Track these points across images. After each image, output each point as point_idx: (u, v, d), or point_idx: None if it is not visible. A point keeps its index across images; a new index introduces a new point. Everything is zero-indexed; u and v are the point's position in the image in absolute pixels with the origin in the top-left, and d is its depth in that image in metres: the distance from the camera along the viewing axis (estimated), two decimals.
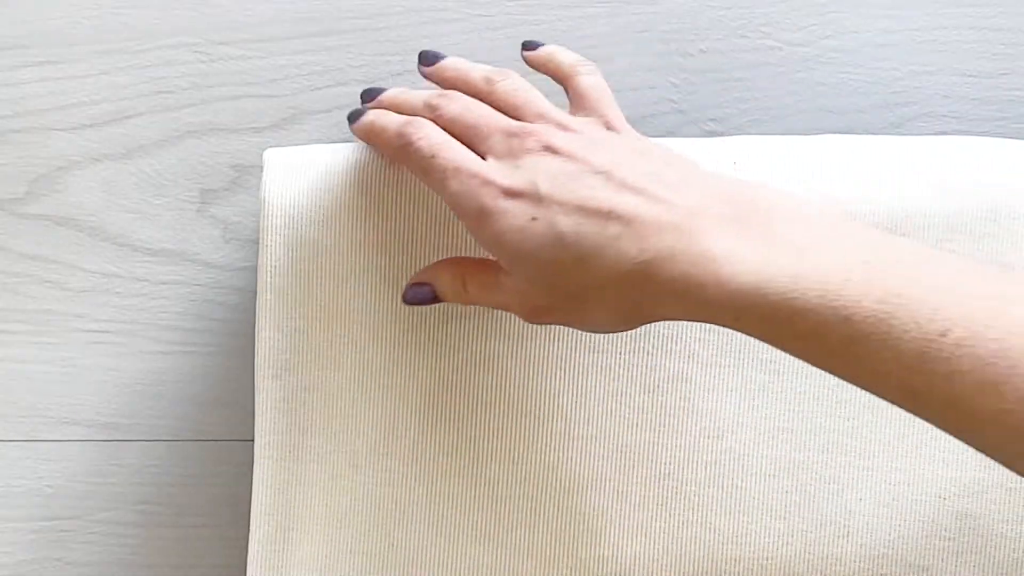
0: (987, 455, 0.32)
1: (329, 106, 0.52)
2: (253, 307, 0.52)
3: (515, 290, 0.39)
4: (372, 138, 0.42)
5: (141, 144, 0.52)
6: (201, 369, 0.52)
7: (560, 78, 0.43)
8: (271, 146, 0.52)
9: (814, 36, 0.52)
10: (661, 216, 0.35)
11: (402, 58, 0.52)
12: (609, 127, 0.40)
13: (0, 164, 0.52)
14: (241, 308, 0.52)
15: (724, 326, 0.35)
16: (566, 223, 0.36)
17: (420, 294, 0.42)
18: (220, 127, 0.52)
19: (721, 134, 0.52)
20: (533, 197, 0.36)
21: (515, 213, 0.36)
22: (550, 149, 0.38)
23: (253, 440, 0.48)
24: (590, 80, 0.41)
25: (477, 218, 0.37)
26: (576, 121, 0.40)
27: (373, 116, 0.42)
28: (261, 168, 0.52)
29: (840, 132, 0.51)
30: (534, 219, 0.36)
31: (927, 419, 0.32)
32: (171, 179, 0.52)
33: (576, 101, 0.42)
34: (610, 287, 0.36)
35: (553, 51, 0.43)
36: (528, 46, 0.44)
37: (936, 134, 0.52)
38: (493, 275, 0.40)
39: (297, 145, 0.50)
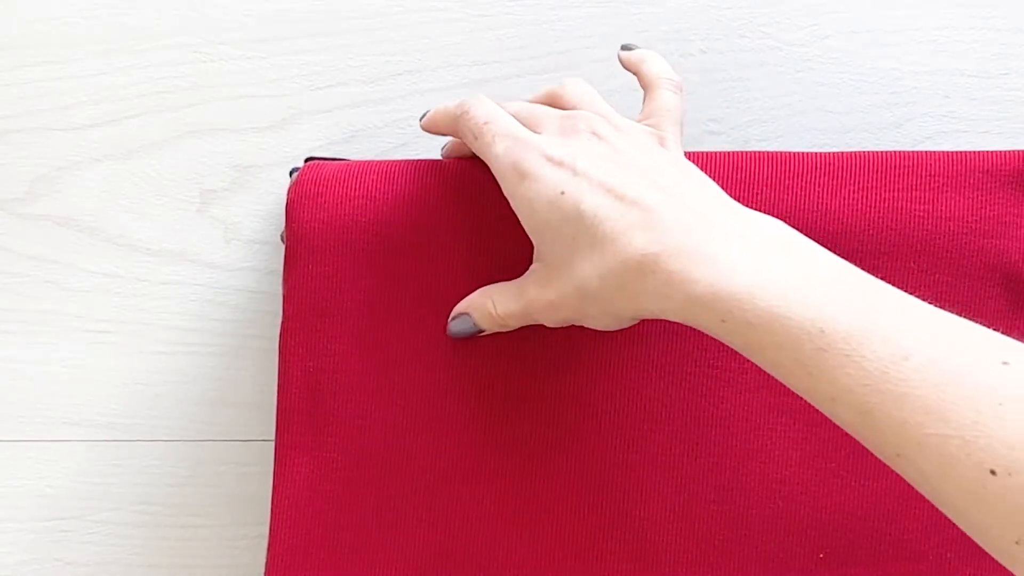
0: (918, 486, 0.33)
1: (329, 106, 0.52)
2: (253, 307, 0.52)
3: (537, 283, 0.41)
4: (435, 119, 0.44)
5: (141, 144, 0.52)
6: (201, 369, 0.52)
7: (644, 84, 0.44)
8: (271, 146, 0.52)
9: (814, 36, 0.52)
10: (677, 216, 0.37)
11: (402, 58, 0.52)
12: (662, 143, 0.41)
13: (0, 164, 0.52)
14: (241, 308, 0.52)
15: (708, 328, 0.36)
16: (590, 201, 0.37)
17: (462, 324, 0.44)
18: (220, 127, 0.52)
19: (721, 134, 0.52)
20: (570, 169, 0.38)
21: (549, 182, 0.38)
22: (596, 135, 0.40)
23: (253, 440, 0.48)
24: (665, 96, 0.43)
25: (516, 178, 0.39)
26: (631, 124, 0.41)
27: (433, 110, 0.45)
28: (261, 168, 0.52)
29: (840, 132, 0.52)
30: (563, 193, 0.38)
31: (870, 441, 0.34)
32: (171, 179, 0.52)
33: (645, 109, 0.43)
34: (613, 275, 0.37)
35: (645, 57, 0.45)
36: (625, 47, 0.46)
37: (936, 134, 0.52)
38: (515, 286, 0.42)
39: (296, 147, 0.50)
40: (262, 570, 0.52)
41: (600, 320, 0.40)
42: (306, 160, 0.50)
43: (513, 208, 0.40)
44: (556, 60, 0.52)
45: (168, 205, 0.52)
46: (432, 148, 0.52)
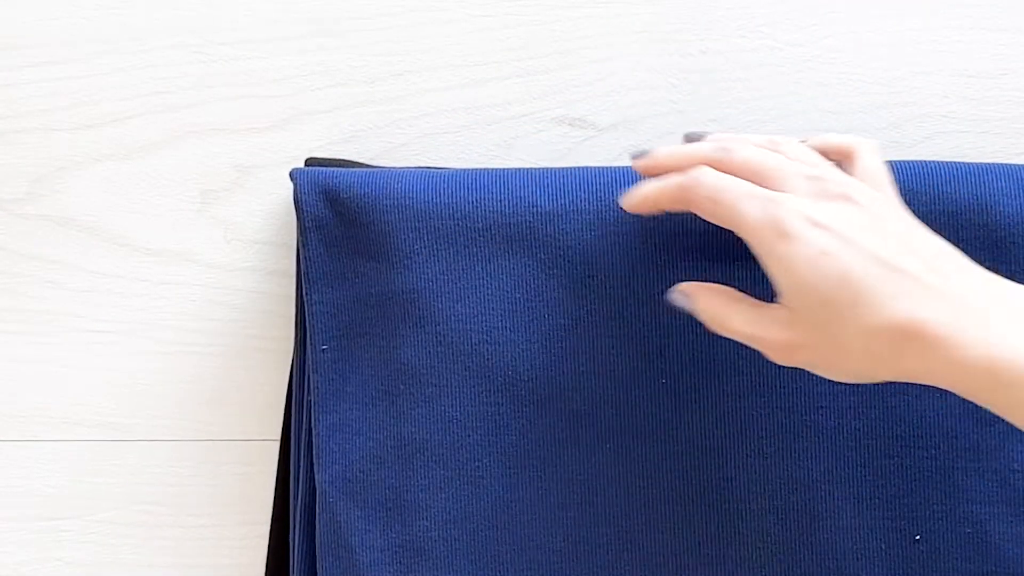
0: None
1: (329, 106, 0.52)
2: (253, 307, 0.52)
3: (779, 323, 0.40)
4: (649, 205, 0.43)
5: (141, 144, 0.52)
6: (201, 369, 0.52)
7: (843, 153, 0.44)
8: (271, 146, 0.52)
9: (814, 36, 0.52)
10: (941, 283, 0.38)
11: (402, 58, 0.52)
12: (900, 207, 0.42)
13: (0, 164, 0.52)
14: (241, 308, 0.52)
15: (973, 392, 0.37)
16: (857, 266, 0.38)
17: (682, 301, 0.43)
18: (220, 127, 0.52)
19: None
20: (832, 232, 0.38)
21: (813, 242, 0.38)
22: (850, 200, 0.40)
23: (253, 440, 0.48)
24: (874, 159, 0.43)
25: (776, 238, 0.39)
26: (870, 189, 0.42)
27: (647, 189, 0.43)
28: (261, 168, 0.52)
29: (840, 132, 0.52)
30: (825, 253, 0.38)
31: None
32: (171, 179, 0.52)
33: (857, 175, 0.43)
34: (875, 336, 0.38)
35: (827, 137, 0.45)
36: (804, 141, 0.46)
37: (936, 134, 0.52)
38: (757, 310, 0.41)
39: (297, 147, 0.50)
40: (262, 570, 0.52)
41: (839, 375, 0.40)
42: (306, 160, 0.50)
43: (767, 268, 0.40)
44: (556, 60, 0.52)
45: (168, 205, 0.52)
46: (430, 150, 0.52)
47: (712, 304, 0.42)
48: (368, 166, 0.50)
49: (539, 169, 0.47)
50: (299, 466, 0.49)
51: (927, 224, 0.45)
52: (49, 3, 0.52)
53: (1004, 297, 0.38)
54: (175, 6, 0.52)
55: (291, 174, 0.48)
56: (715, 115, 0.52)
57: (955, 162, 0.47)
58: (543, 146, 0.52)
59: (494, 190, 0.46)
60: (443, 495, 0.47)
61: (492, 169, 0.47)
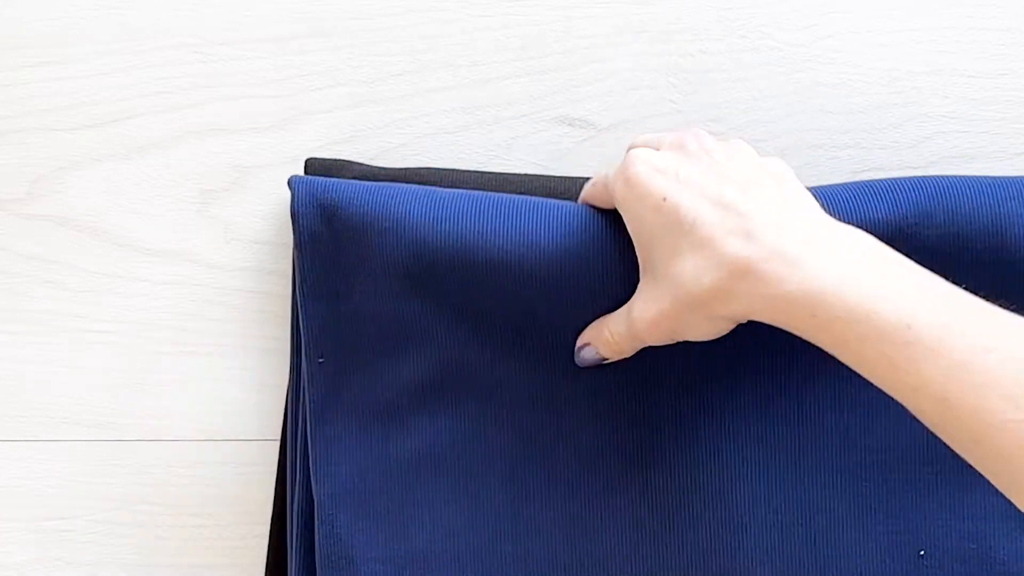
0: (992, 477, 0.35)
1: (329, 106, 0.52)
2: (253, 307, 0.52)
3: (643, 301, 0.42)
4: (589, 198, 0.46)
5: (141, 144, 0.52)
6: (201, 369, 0.52)
7: None
8: (271, 146, 0.52)
9: (814, 36, 0.52)
10: (771, 222, 0.39)
11: (401, 58, 0.52)
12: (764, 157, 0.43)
13: (0, 164, 0.52)
14: (241, 308, 0.52)
15: (796, 326, 0.38)
16: (690, 206, 0.40)
17: (588, 354, 0.45)
18: (220, 127, 0.52)
19: (721, 134, 0.52)
20: (672, 176, 0.41)
21: (653, 189, 0.41)
22: (704, 149, 0.42)
23: (253, 440, 0.48)
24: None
25: (625, 187, 0.42)
26: (737, 141, 0.43)
27: (590, 189, 0.46)
28: (261, 168, 0.52)
29: (840, 132, 0.52)
30: (665, 199, 0.40)
31: (948, 430, 0.36)
32: (171, 179, 0.52)
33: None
34: (710, 278, 0.39)
35: None
36: None
37: (935, 134, 0.52)
38: (624, 308, 0.44)
39: (297, 147, 0.50)
40: (262, 570, 0.52)
41: (700, 328, 0.41)
42: (306, 160, 0.50)
43: (627, 223, 0.42)
44: (556, 60, 0.52)
45: (168, 205, 0.52)
46: (430, 150, 0.52)
47: (597, 333, 0.45)
48: (368, 166, 0.50)
49: (541, 201, 0.46)
50: (295, 470, 0.49)
51: (940, 246, 0.45)
52: (49, 3, 0.52)
53: (829, 234, 0.39)
54: (175, 6, 0.52)
55: (289, 183, 0.47)
56: (715, 115, 0.52)
57: (969, 177, 0.45)
58: (543, 146, 0.52)
59: (496, 223, 0.45)
60: (446, 508, 0.46)
61: (494, 195, 0.46)
